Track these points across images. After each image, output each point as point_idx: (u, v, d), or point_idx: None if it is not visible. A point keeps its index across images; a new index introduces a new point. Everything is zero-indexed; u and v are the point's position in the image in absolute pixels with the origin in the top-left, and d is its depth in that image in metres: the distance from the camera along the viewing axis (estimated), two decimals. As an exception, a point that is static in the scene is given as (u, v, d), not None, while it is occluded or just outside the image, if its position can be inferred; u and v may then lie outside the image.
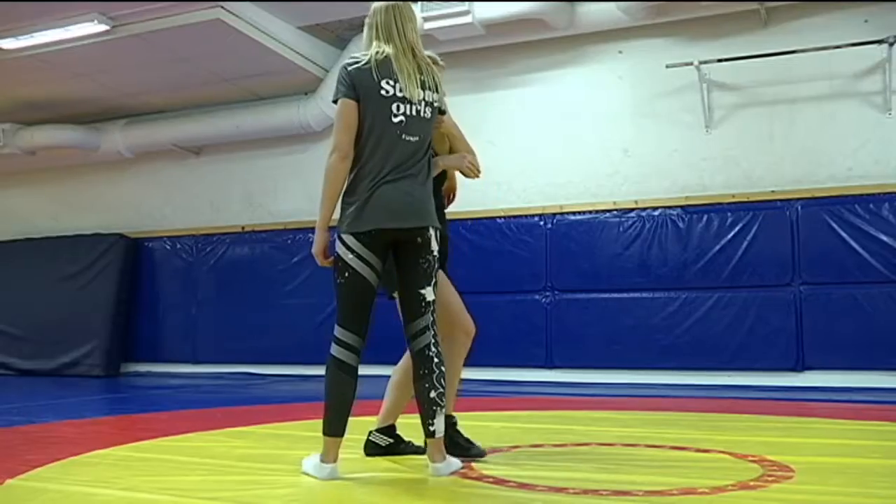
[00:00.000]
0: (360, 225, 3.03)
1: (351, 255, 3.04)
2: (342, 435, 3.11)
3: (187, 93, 9.66)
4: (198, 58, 8.65)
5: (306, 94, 9.32)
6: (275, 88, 9.46)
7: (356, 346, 3.09)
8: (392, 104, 3.06)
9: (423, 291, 3.13)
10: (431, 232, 3.14)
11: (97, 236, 10.33)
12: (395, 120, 3.06)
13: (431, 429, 3.12)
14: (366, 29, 3.18)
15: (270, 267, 9.56)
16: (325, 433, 3.11)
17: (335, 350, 3.09)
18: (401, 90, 3.07)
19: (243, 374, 9.30)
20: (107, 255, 10.14)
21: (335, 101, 3.07)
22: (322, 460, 3.12)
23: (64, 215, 11.05)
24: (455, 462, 3.23)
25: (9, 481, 3.11)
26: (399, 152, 3.07)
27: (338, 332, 3.10)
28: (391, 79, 3.07)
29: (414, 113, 3.10)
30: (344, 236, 3.06)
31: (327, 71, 9.07)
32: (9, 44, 8.23)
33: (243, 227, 9.88)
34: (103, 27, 7.93)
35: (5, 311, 10.50)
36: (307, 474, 3.17)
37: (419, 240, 3.12)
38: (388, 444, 3.59)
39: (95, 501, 2.83)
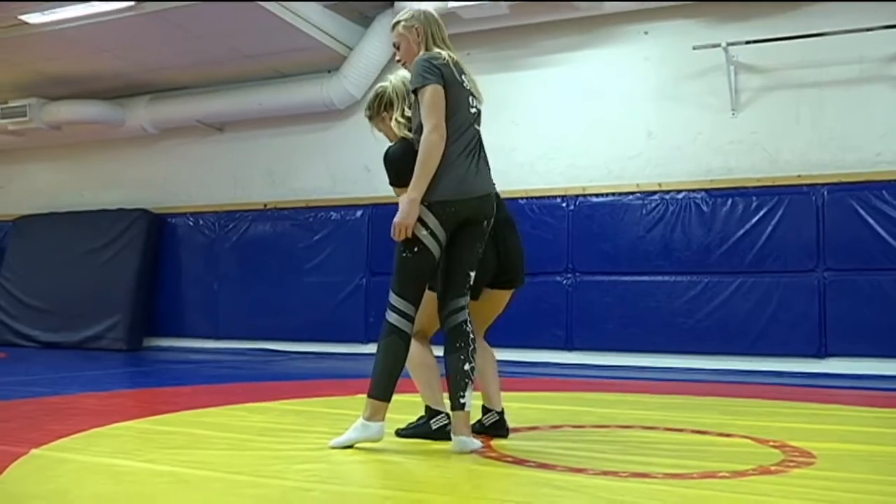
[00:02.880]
0: (452, 194, 3.14)
1: (425, 231, 3.15)
2: (390, 400, 3.20)
3: (211, 69, 9.68)
4: (222, 34, 8.65)
5: (329, 71, 9.30)
6: (298, 66, 9.45)
7: (411, 314, 3.20)
8: (468, 97, 3.28)
9: (471, 273, 3.30)
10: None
11: (121, 211, 10.40)
12: (472, 111, 3.29)
13: (462, 401, 3.18)
14: (408, 32, 3.34)
15: (292, 244, 9.59)
16: (374, 396, 3.18)
17: (392, 318, 3.19)
18: (470, 87, 3.31)
19: (264, 351, 9.36)
20: (130, 230, 10.21)
21: (418, 89, 3.16)
22: (370, 421, 3.18)
23: (88, 190, 11.13)
24: (477, 441, 3.24)
25: (34, 451, 3.14)
26: (474, 140, 3.29)
27: (395, 300, 3.20)
28: (464, 75, 3.30)
29: (478, 108, 3.36)
30: (421, 212, 3.14)
31: (351, 48, 9.05)
32: (35, 18, 8.27)
33: (265, 205, 9.91)
34: (128, 3, 7.93)
35: (30, 284, 10.61)
36: (347, 444, 3.21)
37: (485, 223, 3.30)
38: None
39: (118, 472, 2.85)
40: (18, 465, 2.92)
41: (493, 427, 3.58)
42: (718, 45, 7.66)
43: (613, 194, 8.11)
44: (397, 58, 3.43)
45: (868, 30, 7.17)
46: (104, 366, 7.96)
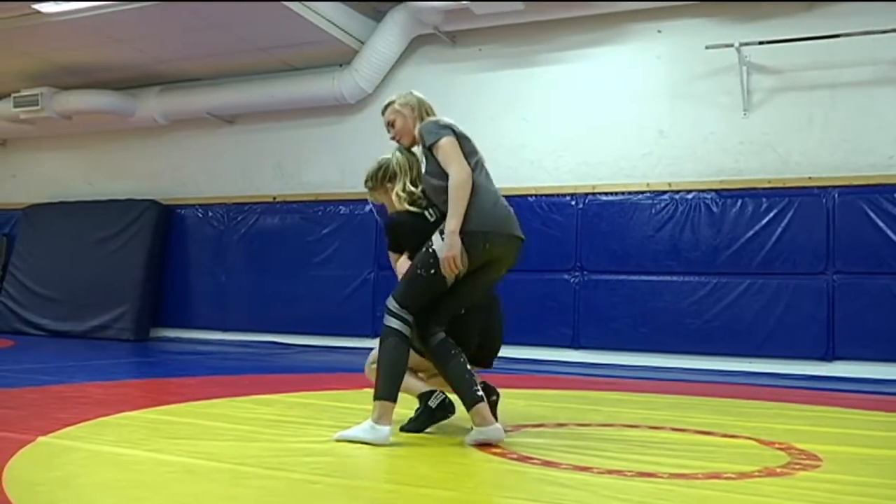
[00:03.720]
0: (487, 224, 3.35)
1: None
2: (396, 400, 3.30)
3: (222, 61, 9.69)
4: (234, 26, 8.65)
5: (341, 65, 9.29)
6: (310, 59, 9.45)
7: (411, 322, 3.35)
8: (477, 149, 3.54)
9: (462, 311, 3.49)
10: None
11: (130, 202, 10.42)
12: (482, 160, 3.53)
13: (479, 393, 3.32)
14: (403, 109, 3.63)
15: (300, 238, 9.60)
16: (382, 398, 3.26)
17: (395, 324, 3.32)
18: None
19: (271, 344, 9.37)
20: (139, 220, 10.23)
21: (434, 144, 3.39)
22: (378, 423, 3.23)
23: (98, 180, 11.16)
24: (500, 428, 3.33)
25: (41, 438, 3.16)
26: (490, 185, 3.51)
27: (397, 308, 3.34)
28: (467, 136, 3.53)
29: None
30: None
31: (363, 43, 9.05)
32: (48, 7, 8.29)
33: (274, 197, 9.92)
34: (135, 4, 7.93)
35: (39, 273, 10.64)
36: (354, 441, 3.23)
37: (503, 271, 3.51)
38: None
39: (123, 462, 2.87)
40: (25, 452, 2.94)
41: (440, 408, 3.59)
42: (731, 45, 7.63)
43: (623, 193, 8.09)
44: (392, 135, 3.68)
45: (882, 32, 7.13)
46: (111, 355, 7.99)
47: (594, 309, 8.03)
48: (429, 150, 3.45)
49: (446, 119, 3.55)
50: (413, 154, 3.68)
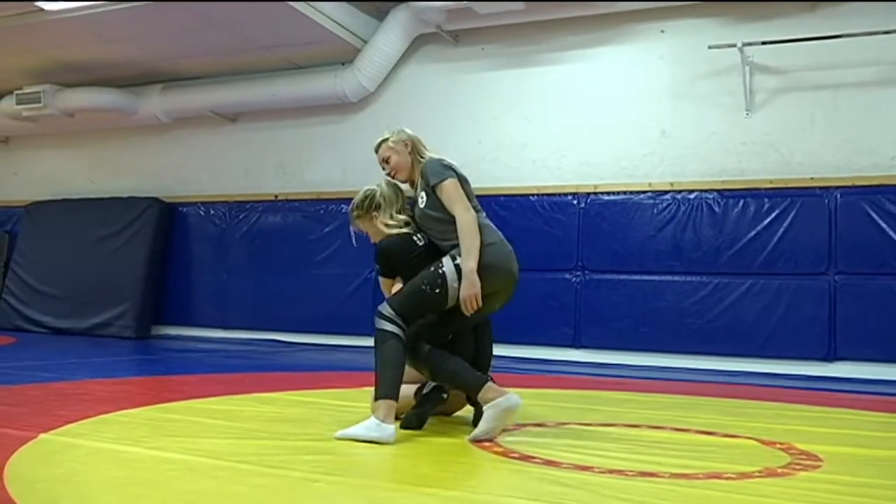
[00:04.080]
0: (494, 260, 3.54)
1: (455, 285, 3.46)
2: (398, 398, 3.38)
3: (225, 59, 9.69)
4: (236, 24, 8.65)
5: (343, 64, 9.29)
6: (312, 58, 9.45)
7: (405, 327, 3.46)
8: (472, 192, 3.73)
9: (450, 335, 3.66)
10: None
11: (132, 199, 10.43)
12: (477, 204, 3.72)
13: (488, 373, 3.58)
14: (398, 146, 3.79)
15: (302, 236, 9.60)
16: (386, 396, 3.34)
17: (389, 327, 3.42)
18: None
19: (272, 342, 9.37)
20: (141, 218, 10.23)
21: (438, 184, 3.59)
22: (384, 422, 3.27)
23: (101, 177, 11.17)
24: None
25: (42, 435, 3.16)
26: (492, 224, 3.71)
27: (392, 315, 3.44)
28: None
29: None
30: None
31: (365, 42, 9.05)
32: (51, 5, 8.30)
33: (276, 196, 9.92)
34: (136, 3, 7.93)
35: (41, 270, 10.65)
36: (358, 439, 3.24)
37: (497, 307, 3.64)
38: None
39: (125, 459, 2.87)
40: (27, 448, 2.94)
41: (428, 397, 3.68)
42: (734, 46, 7.62)
43: (625, 193, 8.09)
44: (387, 171, 3.82)
45: (886, 33, 7.12)
46: (112, 353, 8.00)
47: (596, 308, 8.03)
48: (431, 189, 3.63)
49: (448, 160, 3.73)
50: (398, 186, 3.86)
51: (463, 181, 3.66)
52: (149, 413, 3.92)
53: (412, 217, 3.79)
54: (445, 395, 3.65)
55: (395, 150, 3.80)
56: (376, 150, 3.87)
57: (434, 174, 3.63)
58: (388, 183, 3.86)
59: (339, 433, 3.31)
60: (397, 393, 3.36)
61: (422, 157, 3.78)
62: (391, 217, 3.77)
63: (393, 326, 3.41)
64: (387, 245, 3.72)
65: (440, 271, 3.49)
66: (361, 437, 3.25)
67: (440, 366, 3.48)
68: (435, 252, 3.64)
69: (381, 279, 3.82)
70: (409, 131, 3.85)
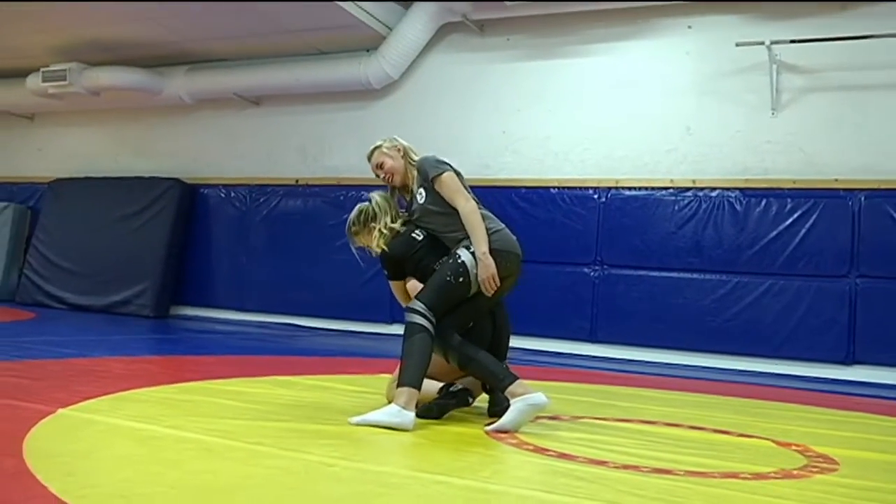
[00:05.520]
0: (501, 245, 3.64)
1: (475, 271, 3.56)
2: (420, 388, 3.43)
3: (251, 42, 9.70)
4: (263, 7, 8.65)
5: (368, 50, 9.29)
6: (337, 44, 9.45)
7: (435, 321, 3.52)
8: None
9: (472, 322, 3.76)
10: None
11: (154, 179, 10.47)
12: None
13: (513, 373, 3.52)
14: (391, 151, 3.93)
15: (321, 221, 9.60)
16: (409, 384, 3.37)
17: (420, 320, 3.48)
18: None
19: (289, 326, 9.41)
20: (163, 198, 10.29)
21: (437, 177, 3.70)
22: (405, 408, 3.31)
23: (124, 157, 11.23)
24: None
25: (61, 410, 3.20)
26: (491, 214, 3.81)
27: (424, 310, 3.50)
28: None
29: None
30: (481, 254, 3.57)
31: (391, 29, 9.03)
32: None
33: (297, 180, 9.94)
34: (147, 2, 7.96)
35: (62, 247, 10.73)
36: (376, 425, 3.27)
37: (510, 284, 3.70)
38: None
39: (142, 436, 2.89)
40: (46, 423, 2.97)
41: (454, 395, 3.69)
42: (762, 43, 7.55)
43: (646, 188, 8.05)
44: (382, 175, 3.94)
45: (917, 34, 7.04)
46: (131, 331, 8.06)
47: (613, 303, 8.01)
48: (430, 184, 3.73)
49: (441, 157, 3.87)
50: (388, 196, 3.98)
51: (458, 175, 3.76)
52: (166, 392, 3.95)
53: (409, 218, 3.90)
54: (471, 400, 3.66)
55: (389, 154, 3.92)
56: (369, 158, 3.98)
57: (431, 168, 3.75)
58: (379, 195, 3.97)
59: (358, 419, 3.33)
60: (420, 383, 3.40)
61: (413, 161, 3.90)
62: (386, 225, 3.85)
63: (423, 320, 3.47)
64: (390, 249, 3.81)
65: (460, 261, 3.58)
66: (381, 423, 3.27)
67: (470, 356, 3.54)
68: (436, 243, 3.77)
69: (392, 284, 3.90)
70: (400, 139, 3.99)
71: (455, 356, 3.56)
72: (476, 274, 3.55)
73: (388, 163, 3.91)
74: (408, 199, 3.95)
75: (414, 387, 3.38)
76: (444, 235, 3.75)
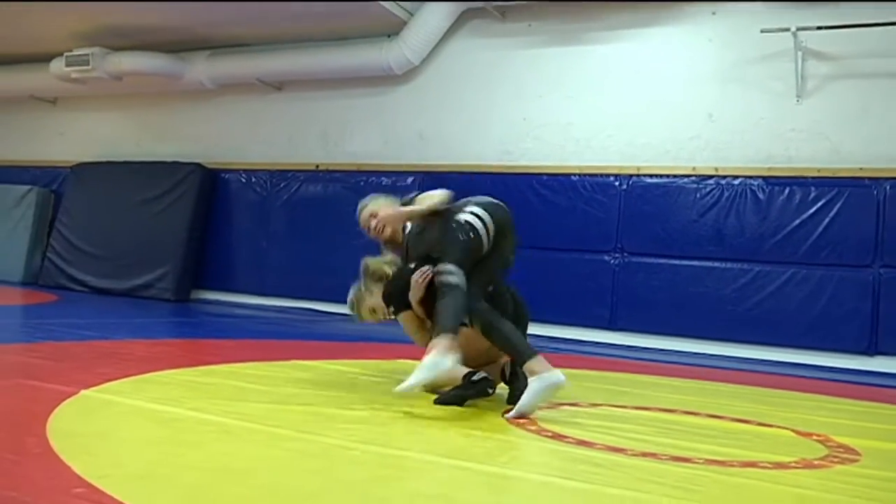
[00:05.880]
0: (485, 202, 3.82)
1: (480, 223, 3.68)
2: (458, 334, 3.43)
3: (273, 27, 9.69)
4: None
5: (389, 36, 9.27)
6: (359, 29, 9.42)
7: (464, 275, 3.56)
8: None
9: (491, 284, 3.83)
10: None
11: (176, 164, 10.53)
12: None
13: (534, 348, 3.54)
14: (382, 203, 4.24)
15: (342, 207, 9.54)
16: (445, 331, 3.37)
17: (453, 279, 3.50)
18: None
19: (309, 311, 9.45)
20: (184, 183, 10.34)
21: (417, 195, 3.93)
22: (441, 356, 3.31)
23: (146, 141, 11.28)
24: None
25: (84, 392, 3.22)
26: None
27: (455, 269, 3.53)
28: None
29: None
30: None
31: (412, 14, 9.00)
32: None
33: (318, 166, 9.95)
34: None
35: (84, 230, 10.82)
36: (417, 385, 3.30)
37: (512, 227, 3.84)
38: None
39: (163, 418, 2.92)
40: (69, 403, 3.00)
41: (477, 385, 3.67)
42: (788, 30, 7.46)
43: (668, 176, 7.99)
44: (374, 226, 4.20)
45: (946, 21, 6.93)
46: (152, 314, 8.12)
47: (633, 291, 7.97)
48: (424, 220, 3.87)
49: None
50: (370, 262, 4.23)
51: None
52: (187, 375, 3.98)
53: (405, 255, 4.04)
54: (491, 391, 3.58)
55: (378, 206, 4.17)
56: (358, 218, 4.29)
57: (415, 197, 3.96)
58: (363, 267, 4.26)
59: (400, 387, 3.30)
60: (456, 331, 3.41)
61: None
62: (369, 279, 4.14)
63: (455, 278, 3.50)
64: (387, 288, 3.97)
65: (463, 220, 3.68)
66: (422, 381, 3.30)
67: (493, 324, 3.57)
68: (427, 262, 3.80)
69: (400, 318, 3.96)
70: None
71: (479, 320, 3.57)
72: (486, 231, 3.66)
73: (381, 213, 4.11)
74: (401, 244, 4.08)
75: (449, 332, 3.37)
76: (435, 249, 3.77)
